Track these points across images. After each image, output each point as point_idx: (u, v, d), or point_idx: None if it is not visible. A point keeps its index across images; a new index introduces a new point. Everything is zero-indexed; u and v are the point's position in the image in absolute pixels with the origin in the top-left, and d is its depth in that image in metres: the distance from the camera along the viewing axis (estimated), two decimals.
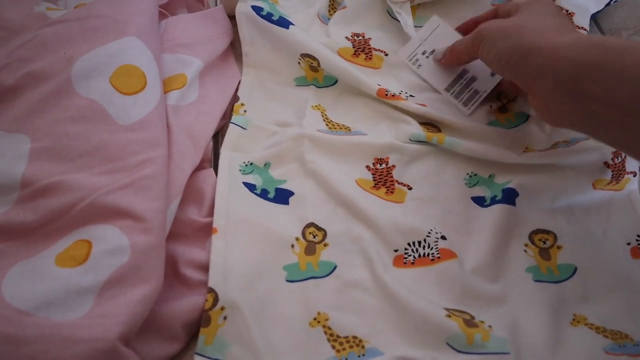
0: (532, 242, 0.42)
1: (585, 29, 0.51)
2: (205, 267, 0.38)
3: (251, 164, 0.45)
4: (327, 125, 0.48)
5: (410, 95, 0.49)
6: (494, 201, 0.43)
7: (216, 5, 0.55)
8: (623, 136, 0.34)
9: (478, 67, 0.47)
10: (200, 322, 0.37)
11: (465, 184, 0.45)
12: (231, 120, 0.47)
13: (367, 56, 0.52)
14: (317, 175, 0.44)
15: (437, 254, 0.41)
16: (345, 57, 0.51)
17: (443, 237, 0.41)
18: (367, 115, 0.49)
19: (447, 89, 0.49)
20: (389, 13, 0.54)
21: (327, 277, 0.40)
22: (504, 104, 0.48)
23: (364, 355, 0.36)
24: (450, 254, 0.41)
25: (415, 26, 0.53)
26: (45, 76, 0.41)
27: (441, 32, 0.51)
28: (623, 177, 0.44)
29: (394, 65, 0.52)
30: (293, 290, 0.39)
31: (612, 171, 0.44)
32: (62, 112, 0.40)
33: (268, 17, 0.50)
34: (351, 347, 0.37)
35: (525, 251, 0.41)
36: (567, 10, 0.51)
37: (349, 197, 0.43)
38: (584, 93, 0.34)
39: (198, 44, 0.49)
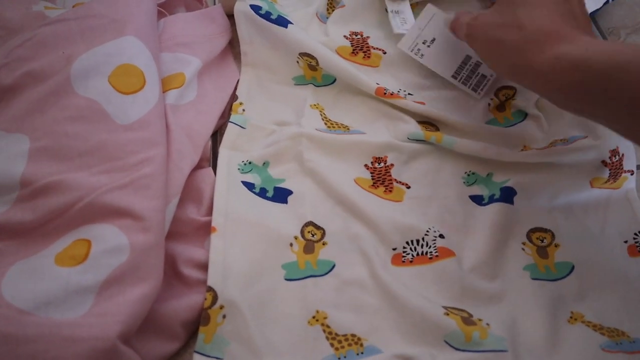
0: (530, 241, 0.42)
1: None
2: (204, 266, 0.39)
3: (250, 163, 0.45)
4: (325, 124, 0.48)
5: (409, 94, 0.49)
6: (492, 200, 0.44)
7: (215, 4, 0.55)
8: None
9: None
10: (199, 320, 0.37)
11: (464, 182, 0.45)
12: (230, 120, 0.47)
13: (365, 55, 0.52)
14: (316, 174, 0.44)
15: (436, 252, 0.41)
16: (343, 55, 0.51)
17: (441, 236, 0.42)
18: (366, 114, 0.49)
19: (454, 76, 0.49)
20: (387, 11, 0.55)
21: (326, 275, 0.40)
22: (502, 102, 0.49)
23: (362, 353, 0.36)
24: (448, 253, 0.41)
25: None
26: (44, 76, 0.41)
27: (438, 20, 0.51)
28: (620, 175, 0.44)
29: (393, 64, 0.52)
30: (292, 289, 0.39)
31: (610, 170, 0.44)
32: (61, 111, 0.40)
33: (267, 16, 0.50)
34: (350, 345, 0.37)
35: (523, 249, 0.42)
36: None
37: (348, 196, 0.43)
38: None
39: (196, 43, 0.49)
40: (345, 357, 0.36)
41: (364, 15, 0.55)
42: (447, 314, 0.37)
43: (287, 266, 0.40)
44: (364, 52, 0.52)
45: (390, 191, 0.44)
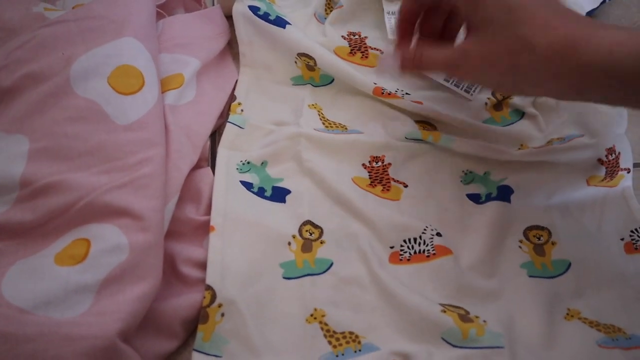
0: (527, 238, 0.42)
1: None
2: (203, 265, 0.39)
3: (248, 162, 0.45)
4: (323, 123, 0.48)
5: (406, 93, 0.50)
6: (489, 198, 0.44)
7: (213, 5, 0.56)
8: None
9: None
10: (198, 319, 0.37)
11: (461, 181, 0.45)
12: (228, 120, 0.48)
13: (363, 55, 0.52)
14: (314, 174, 0.44)
15: (433, 250, 0.41)
16: (341, 56, 0.52)
17: (438, 234, 0.42)
18: (364, 114, 0.49)
19: (447, 79, 0.49)
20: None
21: (324, 274, 0.40)
22: (499, 101, 0.49)
23: (360, 350, 0.37)
24: (445, 251, 0.41)
25: None
26: (44, 77, 0.42)
27: None
28: (617, 173, 0.45)
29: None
30: (290, 288, 0.39)
31: (606, 168, 0.45)
32: (60, 112, 0.40)
33: (265, 17, 0.50)
34: (347, 342, 0.37)
35: (520, 247, 0.42)
36: None
37: (345, 195, 0.43)
38: None
39: (195, 44, 0.49)
40: (343, 354, 0.37)
41: (362, 15, 0.55)
42: (444, 311, 0.37)
43: (285, 265, 0.40)
44: (361, 52, 0.52)
45: (388, 190, 0.44)
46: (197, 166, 0.44)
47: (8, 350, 0.30)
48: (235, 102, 0.49)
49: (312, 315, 0.38)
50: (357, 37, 0.53)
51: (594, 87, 0.34)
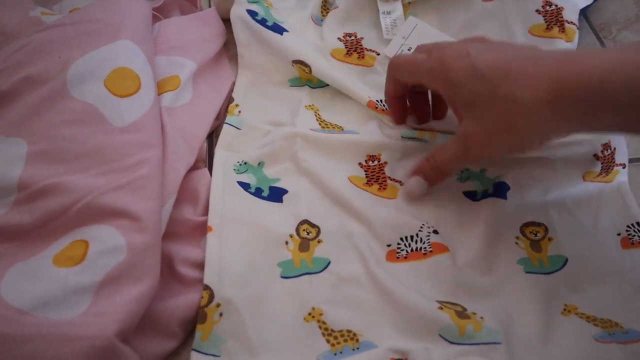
0: (524, 235, 0.42)
1: (574, 24, 0.51)
2: (200, 265, 0.39)
3: (245, 163, 0.45)
4: (320, 124, 0.48)
5: None
6: (485, 195, 0.44)
7: (209, 7, 0.56)
8: None
9: None
10: (196, 319, 0.37)
11: (457, 178, 0.45)
12: (225, 121, 0.48)
13: (359, 55, 0.52)
14: (311, 174, 0.45)
15: (430, 248, 0.41)
16: (337, 57, 0.52)
17: (435, 232, 0.42)
18: (360, 115, 0.49)
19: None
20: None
21: (321, 272, 0.40)
22: None
23: (358, 348, 0.37)
24: (442, 248, 0.41)
25: None
26: (41, 80, 0.42)
27: (421, 30, 0.52)
28: (612, 169, 0.45)
29: (387, 63, 0.52)
30: (288, 287, 0.40)
31: (602, 163, 0.45)
32: (57, 115, 0.40)
33: (262, 23, 0.51)
34: (345, 340, 0.37)
35: (517, 243, 0.42)
36: (556, 5, 0.52)
37: (342, 194, 0.43)
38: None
39: (191, 46, 0.50)
40: (341, 352, 0.37)
41: (358, 16, 0.55)
42: (441, 308, 0.37)
43: (283, 264, 0.41)
44: (357, 52, 0.53)
45: (385, 189, 0.45)
46: (195, 167, 0.44)
47: (7, 351, 0.30)
48: (233, 104, 0.49)
49: (310, 314, 0.38)
50: (353, 38, 0.53)
51: (595, 120, 0.34)
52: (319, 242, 0.42)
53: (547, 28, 0.51)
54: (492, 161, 0.46)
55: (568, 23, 0.51)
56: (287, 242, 0.42)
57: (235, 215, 0.42)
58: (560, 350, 0.36)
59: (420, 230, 0.42)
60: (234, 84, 0.51)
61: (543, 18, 0.52)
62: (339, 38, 0.53)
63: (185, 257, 0.39)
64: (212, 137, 0.49)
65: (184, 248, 0.40)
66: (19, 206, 0.37)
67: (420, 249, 0.41)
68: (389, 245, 0.42)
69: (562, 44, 0.50)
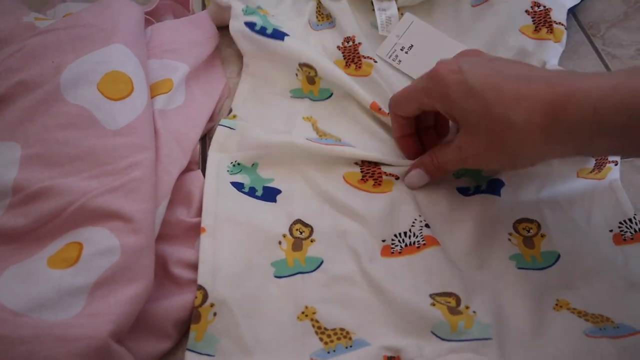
0: (517, 231, 0.43)
1: (563, 24, 0.52)
2: (194, 266, 0.39)
3: (239, 164, 0.46)
4: (317, 133, 0.48)
5: None
6: (477, 191, 0.44)
7: (202, 10, 0.56)
8: None
9: None
10: (190, 319, 0.38)
11: (454, 175, 0.46)
12: (219, 123, 0.48)
13: (356, 66, 0.52)
14: (305, 174, 0.45)
15: (423, 241, 0.41)
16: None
17: (427, 226, 0.42)
18: (359, 131, 0.49)
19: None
20: (372, 25, 0.56)
21: (314, 272, 0.41)
22: None
23: (351, 346, 0.37)
24: (434, 241, 0.41)
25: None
26: (35, 85, 0.42)
27: (416, 28, 0.52)
28: (605, 165, 0.45)
29: (384, 71, 0.52)
30: (281, 286, 0.40)
31: (596, 160, 0.45)
32: (51, 119, 0.41)
33: (262, 32, 0.51)
34: (339, 338, 0.37)
35: (510, 240, 0.42)
36: (544, 6, 0.52)
37: (336, 194, 0.44)
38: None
39: (184, 49, 0.50)
40: (334, 350, 0.37)
41: (356, 16, 0.56)
42: (434, 305, 0.38)
43: (276, 264, 0.41)
44: (355, 62, 0.52)
45: (380, 184, 0.45)
46: (188, 169, 0.45)
47: (2, 352, 0.31)
48: (231, 114, 0.49)
49: (303, 312, 0.39)
50: (351, 44, 0.53)
51: (590, 144, 0.34)
52: (312, 241, 0.42)
53: (535, 30, 0.52)
54: None
55: (556, 24, 0.51)
56: (280, 242, 0.42)
57: (228, 215, 0.42)
58: (551, 345, 0.37)
59: (412, 225, 0.42)
60: (226, 86, 0.52)
61: (532, 19, 0.52)
62: (338, 47, 0.54)
63: (179, 258, 0.40)
64: (205, 139, 0.49)
65: (177, 249, 0.40)
66: (14, 209, 0.38)
67: (414, 243, 0.42)
68: (383, 241, 0.42)
69: (551, 45, 0.51)
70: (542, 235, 0.43)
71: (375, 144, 0.48)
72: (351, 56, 0.53)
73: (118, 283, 0.34)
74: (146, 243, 0.36)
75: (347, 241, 0.42)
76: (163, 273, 0.39)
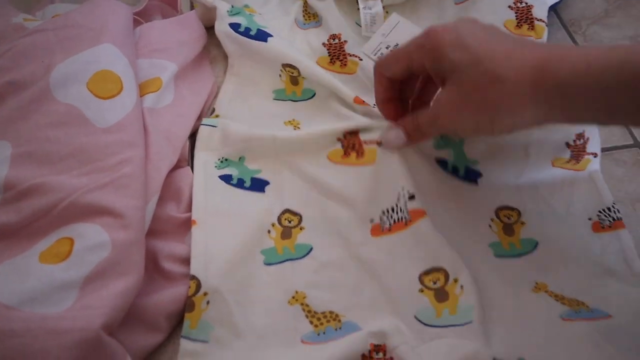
0: (498, 218, 0.44)
1: (544, 21, 0.53)
2: (184, 260, 0.40)
3: (226, 159, 0.47)
4: (295, 129, 0.49)
5: None
6: (455, 172, 0.45)
7: (190, 10, 0.57)
8: None
9: None
10: (181, 312, 0.38)
11: (433, 145, 0.46)
12: (202, 122, 0.49)
13: (341, 63, 0.53)
14: (290, 164, 0.46)
15: (409, 217, 0.42)
16: (322, 65, 0.53)
17: (412, 197, 0.42)
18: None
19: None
20: (357, 23, 0.56)
21: (304, 258, 0.42)
22: None
23: (340, 328, 0.38)
24: (419, 214, 0.41)
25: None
26: (25, 84, 0.43)
27: (402, 28, 0.53)
28: (583, 157, 0.46)
29: (369, 69, 0.52)
30: (271, 273, 0.41)
31: (572, 151, 0.46)
32: (42, 118, 0.41)
33: (246, 33, 0.52)
34: (328, 321, 0.39)
35: (490, 226, 0.43)
36: (526, 3, 0.53)
37: (322, 177, 0.45)
38: None
39: (172, 49, 0.51)
40: (324, 333, 0.38)
41: (341, 15, 0.56)
42: (422, 290, 0.39)
43: (266, 252, 0.42)
44: (340, 60, 0.53)
45: (362, 155, 0.45)
46: (177, 166, 0.45)
47: None
48: (214, 114, 0.50)
49: (293, 297, 0.40)
50: (337, 41, 0.54)
51: (579, 107, 0.33)
52: (301, 229, 0.43)
53: (517, 25, 0.53)
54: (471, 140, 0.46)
55: (537, 20, 0.52)
56: (269, 231, 0.43)
57: (218, 208, 0.43)
58: (529, 328, 0.38)
59: (398, 200, 0.42)
60: (214, 85, 0.52)
61: (515, 14, 0.53)
62: (323, 43, 0.54)
63: (170, 253, 0.40)
64: (195, 137, 0.50)
65: (168, 244, 0.41)
66: (6, 206, 0.38)
67: (401, 218, 0.42)
68: (372, 221, 0.43)
69: None
70: (522, 223, 0.44)
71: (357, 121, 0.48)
72: (336, 53, 0.54)
73: (109, 277, 0.35)
74: (136, 238, 0.37)
75: (336, 227, 0.43)
76: (154, 267, 0.40)
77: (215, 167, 0.46)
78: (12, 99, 0.42)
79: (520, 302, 0.39)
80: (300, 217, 0.44)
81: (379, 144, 0.45)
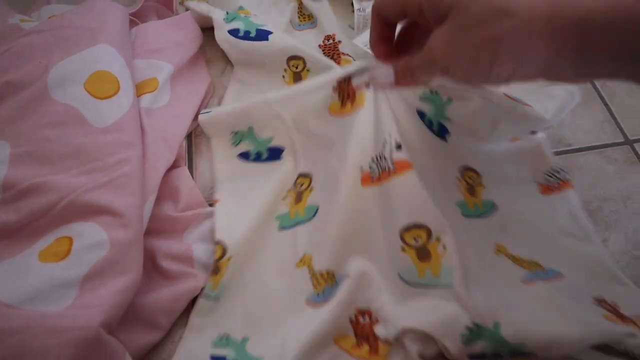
0: (463, 178, 0.45)
1: None
2: (182, 259, 0.41)
3: (237, 132, 0.48)
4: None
5: None
6: (430, 126, 0.46)
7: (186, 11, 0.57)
8: None
9: None
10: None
11: (419, 94, 0.46)
12: (201, 112, 0.49)
13: (335, 62, 0.53)
14: (298, 123, 0.47)
15: (393, 167, 0.41)
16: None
17: (399, 146, 0.42)
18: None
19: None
20: (350, 27, 0.57)
21: (311, 220, 0.44)
22: None
23: (335, 284, 0.40)
24: (405, 165, 0.41)
25: None
26: (23, 85, 0.43)
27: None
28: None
29: None
30: (284, 237, 0.44)
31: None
32: (40, 118, 0.42)
33: (246, 36, 0.52)
34: (325, 281, 0.41)
35: (457, 186, 0.45)
36: None
37: (325, 133, 0.46)
38: None
39: (168, 49, 0.51)
40: (323, 292, 0.40)
41: (336, 15, 0.57)
42: (404, 249, 0.39)
43: (280, 217, 0.45)
44: (334, 59, 0.53)
45: (353, 100, 0.45)
46: (174, 166, 0.46)
47: None
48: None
49: (301, 260, 0.42)
50: (331, 42, 0.55)
51: (595, 50, 0.29)
52: (310, 190, 0.45)
53: None
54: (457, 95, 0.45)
55: None
56: (284, 197, 0.45)
57: (239, 186, 0.46)
58: (498, 292, 0.38)
59: (384, 147, 0.42)
60: (210, 85, 0.53)
61: None
62: (319, 45, 0.55)
63: (168, 252, 0.41)
64: (191, 136, 0.50)
65: (165, 243, 0.41)
66: (5, 206, 0.38)
67: (387, 168, 0.42)
68: (362, 169, 0.42)
69: None
70: (482, 185, 0.45)
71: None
72: (331, 53, 0.54)
73: (108, 276, 0.36)
74: (134, 237, 0.37)
75: (334, 179, 0.43)
76: (152, 266, 0.40)
77: (233, 143, 0.48)
78: (10, 100, 0.43)
79: (486, 264, 0.40)
80: (311, 178, 0.46)
81: (367, 85, 0.45)
